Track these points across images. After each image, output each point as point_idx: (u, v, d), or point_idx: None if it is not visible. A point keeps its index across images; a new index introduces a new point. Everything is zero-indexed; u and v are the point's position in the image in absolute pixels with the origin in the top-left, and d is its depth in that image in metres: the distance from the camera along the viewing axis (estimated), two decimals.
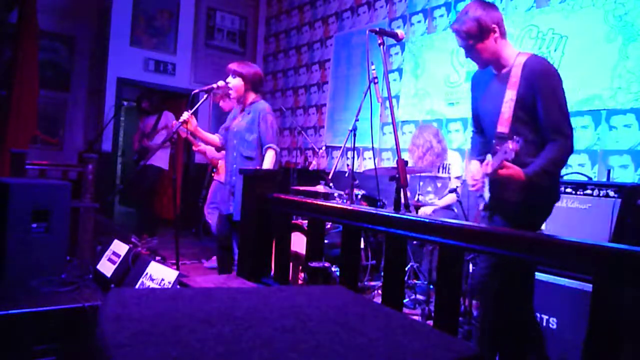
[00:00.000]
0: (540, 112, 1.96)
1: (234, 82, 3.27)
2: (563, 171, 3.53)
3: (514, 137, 1.77)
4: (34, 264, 2.34)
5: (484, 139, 2.31)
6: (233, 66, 3.30)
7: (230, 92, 3.33)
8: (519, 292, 1.79)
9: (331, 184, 3.92)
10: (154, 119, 5.23)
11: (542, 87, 1.95)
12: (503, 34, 2.07)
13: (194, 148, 4.61)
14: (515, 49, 2.12)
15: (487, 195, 2.10)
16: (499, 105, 2.03)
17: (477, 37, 2.03)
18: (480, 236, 1.62)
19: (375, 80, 3.32)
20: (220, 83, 3.36)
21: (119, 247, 2.63)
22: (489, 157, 2.04)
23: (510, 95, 2.00)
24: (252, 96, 3.33)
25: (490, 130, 2.11)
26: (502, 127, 1.99)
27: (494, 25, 2.03)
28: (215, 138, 3.57)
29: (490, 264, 2.04)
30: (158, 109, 5.28)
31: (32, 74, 5.10)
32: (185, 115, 3.26)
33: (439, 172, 3.79)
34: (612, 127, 3.37)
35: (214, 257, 4.53)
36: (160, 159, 5.09)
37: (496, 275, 2.03)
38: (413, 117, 4.89)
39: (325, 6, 6.29)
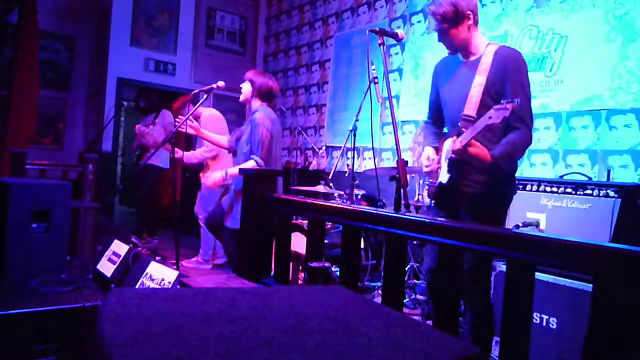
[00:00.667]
0: (507, 98, 1.97)
1: (245, 86, 3.40)
2: (562, 171, 3.55)
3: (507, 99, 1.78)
4: (34, 264, 2.34)
5: (438, 130, 2.36)
6: (249, 73, 3.44)
7: (240, 96, 3.43)
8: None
9: (331, 184, 3.92)
10: (152, 118, 5.23)
11: (513, 75, 1.98)
12: (476, 22, 2.11)
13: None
14: (485, 39, 2.17)
15: (445, 177, 2.10)
16: (466, 90, 2.06)
17: (451, 22, 2.06)
18: (480, 236, 1.62)
19: (375, 80, 3.32)
20: (220, 83, 3.37)
21: (119, 247, 2.63)
22: (448, 141, 2.07)
23: (479, 80, 2.04)
24: (256, 104, 3.35)
25: (454, 115, 2.13)
26: (470, 110, 2.02)
27: (469, 12, 2.07)
28: (223, 139, 3.56)
29: (471, 266, 2.05)
30: (156, 107, 5.27)
31: (32, 74, 5.10)
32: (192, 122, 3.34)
33: None
34: (612, 127, 3.36)
35: (195, 258, 4.54)
36: (160, 159, 5.08)
37: (480, 275, 2.08)
38: (413, 117, 4.89)
39: (325, 6, 6.29)
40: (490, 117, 1.79)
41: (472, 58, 2.13)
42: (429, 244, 2.31)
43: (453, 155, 1.99)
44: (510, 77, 1.97)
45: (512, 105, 1.72)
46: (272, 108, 3.45)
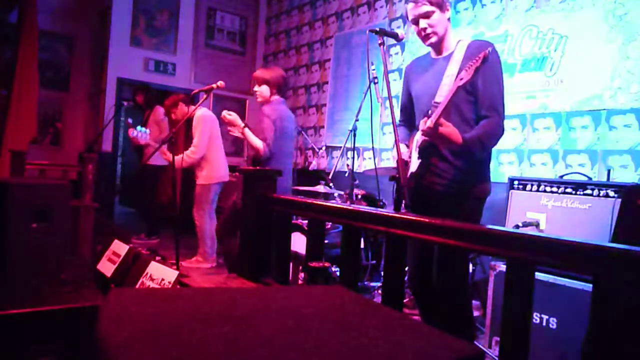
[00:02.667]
0: (479, 88, 2.01)
1: (262, 89, 3.37)
2: (562, 171, 3.55)
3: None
4: (34, 264, 2.34)
5: (410, 131, 2.38)
6: (261, 74, 3.39)
7: (258, 99, 3.41)
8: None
9: (331, 184, 3.92)
10: (146, 114, 5.24)
11: (486, 64, 1.96)
12: (449, 20, 2.17)
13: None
14: (456, 37, 2.21)
15: (415, 165, 2.12)
16: (438, 81, 2.08)
17: (438, 6, 2.09)
18: (480, 236, 1.62)
19: (375, 80, 3.32)
20: (220, 83, 3.36)
21: (119, 247, 2.63)
22: (417, 134, 2.07)
23: (451, 71, 2.05)
24: (274, 98, 3.40)
25: (426, 107, 2.13)
26: (441, 98, 2.02)
27: (448, 5, 2.14)
28: (259, 144, 3.31)
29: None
30: (151, 104, 5.27)
31: (32, 74, 5.11)
32: (235, 118, 3.27)
33: None
34: (612, 127, 3.36)
35: (195, 258, 4.53)
36: (159, 157, 5.08)
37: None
38: None
39: (325, 6, 6.29)
40: (461, 79, 1.80)
41: (445, 54, 2.16)
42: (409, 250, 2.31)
43: (424, 137, 2.00)
44: (483, 67, 1.95)
45: (483, 53, 1.74)
46: (285, 99, 3.50)
